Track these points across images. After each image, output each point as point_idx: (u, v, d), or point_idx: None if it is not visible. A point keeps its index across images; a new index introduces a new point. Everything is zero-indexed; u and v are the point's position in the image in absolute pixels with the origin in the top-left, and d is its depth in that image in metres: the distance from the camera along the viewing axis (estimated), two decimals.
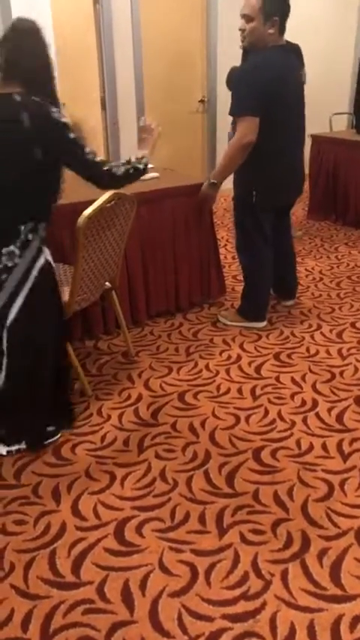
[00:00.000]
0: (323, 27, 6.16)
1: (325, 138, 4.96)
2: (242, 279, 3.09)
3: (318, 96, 6.17)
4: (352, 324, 3.03)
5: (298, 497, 1.83)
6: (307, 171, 4.80)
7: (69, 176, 3.02)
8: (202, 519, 1.75)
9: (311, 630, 1.40)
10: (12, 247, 1.86)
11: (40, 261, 1.94)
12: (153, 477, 1.94)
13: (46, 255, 1.98)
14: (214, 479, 1.92)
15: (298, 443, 2.10)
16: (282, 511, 1.78)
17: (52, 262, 2.01)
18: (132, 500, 1.83)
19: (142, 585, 1.53)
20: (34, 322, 1.94)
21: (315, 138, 4.96)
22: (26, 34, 1.86)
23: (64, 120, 1.84)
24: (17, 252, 1.86)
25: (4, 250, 1.85)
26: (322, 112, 5.84)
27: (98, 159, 1.91)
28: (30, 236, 1.89)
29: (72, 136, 1.85)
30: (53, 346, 2.04)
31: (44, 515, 1.78)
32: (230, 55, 5.58)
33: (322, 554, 1.62)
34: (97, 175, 1.92)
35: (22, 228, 1.86)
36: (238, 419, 2.24)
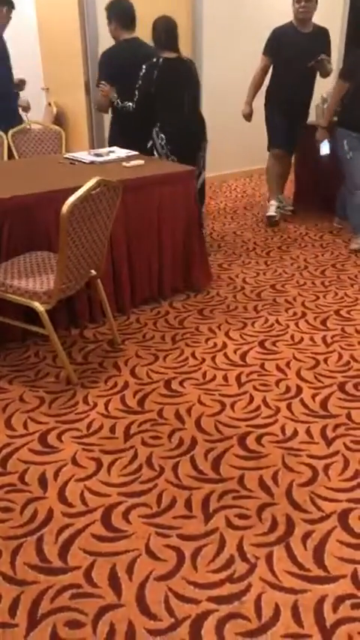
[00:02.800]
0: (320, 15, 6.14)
1: (310, 126, 4.95)
2: (227, 266, 3.10)
3: None
4: (337, 312, 3.06)
5: (282, 482, 1.86)
6: (292, 159, 4.85)
7: (53, 164, 3.01)
8: (188, 505, 1.77)
9: (295, 611, 1.43)
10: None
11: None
12: (139, 463, 1.95)
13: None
14: (200, 465, 1.94)
15: (282, 429, 2.13)
16: (267, 496, 1.81)
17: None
18: (119, 486, 1.85)
19: (129, 570, 1.55)
20: None
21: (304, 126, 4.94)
22: None
23: None
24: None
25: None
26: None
27: None
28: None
29: None
30: None
31: (31, 502, 1.78)
32: (215, 43, 5.54)
33: (306, 537, 1.65)
34: None
35: None
36: (223, 406, 2.26)
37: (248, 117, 4.41)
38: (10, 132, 3.77)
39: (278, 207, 4.60)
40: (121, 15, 3.62)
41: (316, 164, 4.87)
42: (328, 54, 4.14)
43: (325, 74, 4.26)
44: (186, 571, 1.55)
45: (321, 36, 4.17)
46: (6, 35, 4.17)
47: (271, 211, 4.54)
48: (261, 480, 1.87)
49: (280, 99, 4.30)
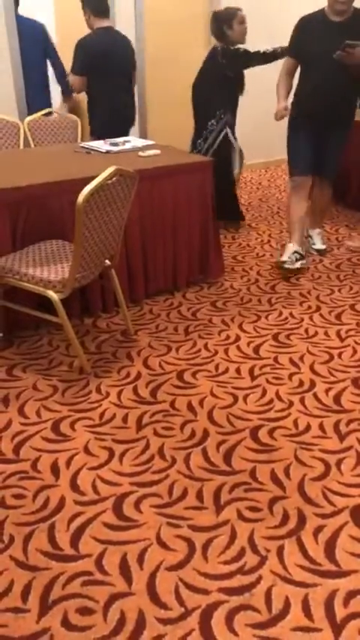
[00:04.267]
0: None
1: None
2: (241, 258, 3.09)
3: None
4: (352, 307, 3.03)
5: (294, 476, 1.86)
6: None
7: (68, 153, 3.00)
8: (199, 496, 1.77)
9: (306, 605, 1.43)
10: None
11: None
12: (151, 453, 1.95)
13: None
14: (212, 457, 1.94)
15: (295, 423, 2.12)
16: (279, 489, 1.80)
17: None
18: (130, 476, 1.85)
19: (140, 559, 1.56)
20: None
21: None
22: None
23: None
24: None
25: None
26: None
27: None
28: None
29: None
30: None
31: (43, 489, 1.79)
32: None
33: (317, 531, 1.65)
34: None
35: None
36: (236, 398, 2.26)
37: (282, 111, 3.43)
38: (26, 120, 3.77)
39: (295, 253, 3.45)
40: (95, 4, 3.79)
41: None
42: None
43: None
44: (197, 561, 1.55)
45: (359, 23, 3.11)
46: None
47: (284, 255, 3.47)
48: (273, 474, 1.87)
49: (304, 109, 3.34)
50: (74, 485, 1.81)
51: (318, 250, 3.78)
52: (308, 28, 3.21)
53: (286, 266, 3.37)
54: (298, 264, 3.42)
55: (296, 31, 3.29)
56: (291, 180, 3.55)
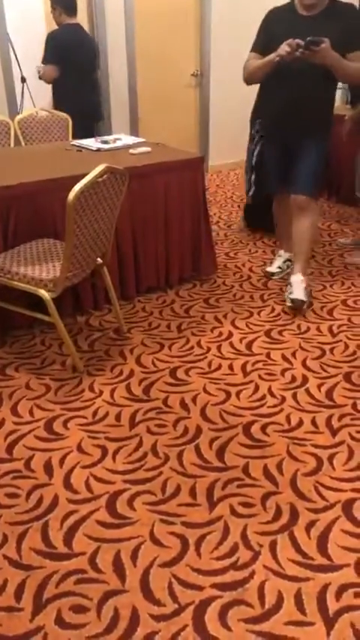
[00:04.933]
0: None
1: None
2: (234, 255, 3.10)
3: None
4: (343, 302, 3.04)
5: (287, 471, 1.86)
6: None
7: (59, 151, 2.99)
8: (192, 493, 1.78)
9: (298, 598, 1.44)
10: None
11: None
12: (144, 451, 1.96)
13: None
14: (205, 453, 1.95)
15: (287, 418, 2.12)
16: (271, 485, 1.81)
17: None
18: (123, 473, 1.86)
19: (134, 556, 1.56)
20: None
21: None
22: None
23: None
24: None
25: None
26: None
27: None
28: None
29: None
30: None
31: (36, 488, 1.79)
32: (224, 28, 5.47)
33: (310, 526, 1.66)
34: None
35: None
36: (228, 394, 2.26)
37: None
38: (17, 118, 3.76)
39: (288, 262, 3.35)
40: (66, 2, 4.06)
41: None
42: (353, 47, 2.57)
43: (346, 75, 2.62)
44: (190, 558, 1.56)
45: (337, 18, 2.58)
46: (13, 23, 4.17)
47: (272, 266, 3.38)
48: (265, 469, 1.88)
49: (270, 118, 2.98)
50: (67, 484, 1.81)
51: (293, 301, 2.89)
52: (276, 21, 2.75)
53: (275, 277, 3.32)
54: (285, 272, 3.33)
55: (263, 25, 2.83)
56: (274, 198, 3.28)
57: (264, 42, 2.76)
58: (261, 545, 1.59)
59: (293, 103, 2.78)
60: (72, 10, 4.08)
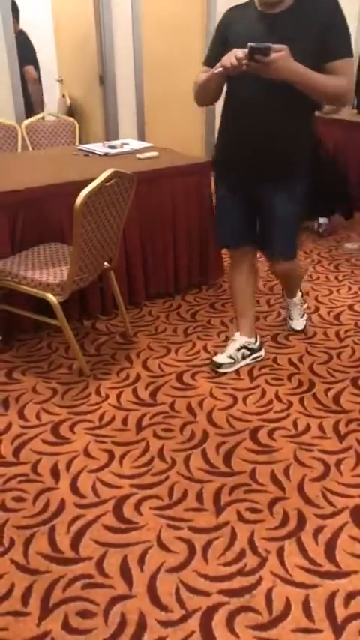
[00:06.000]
0: None
1: (325, 118, 4.90)
2: None
3: None
4: (350, 307, 3.03)
5: (294, 477, 1.86)
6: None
7: (66, 155, 3.00)
8: (199, 497, 1.77)
9: (306, 605, 1.43)
10: None
11: None
12: (151, 455, 1.95)
13: None
14: (212, 458, 1.94)
15: (294, 423, 2.12)
16: (278, 490, 1.80)
17: None
18: (130, 478, 1.85)
19: (141, 561, 1.56)
20: None
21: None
22: None
23: None
24: None
25: None
26: None
27: None
28: None
29: None
30: None
31: (43, 492, 1.79)
32: None
33: (317, 532, 1.65)
34: None
35: None
36: (235, 399, 2.26)
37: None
38: (24, 123, 3.78)
39: (243, 349, 2.47)
40: (16, 13, 4.40)
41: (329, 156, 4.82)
42: (332, 54, 1.90)
43: (321, 93, 1.93)
44: (197, 563, 1.55)
45: (309, 15, 1.91)
46: (21, 27, 4.20)
47: (224, 354, 2.46)
48: (273, 474, 1.87)
49: (222, 160, 2.24)
50: (74, 488, 1.81)
51: (294, 330, 2.70)
52: (233, 23, 2.05)
53: (222, 370, 2.42)
54: (243, 364, 2.47)
55: (219, 29, 2.12)
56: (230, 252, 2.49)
57: (220, 51, 1.97)
58: (268, 552, 1.59)
59: (251, 138, 2.05)
60: (17, 19, 4.50)
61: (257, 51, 1.76)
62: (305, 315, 2.78)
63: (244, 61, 1.79)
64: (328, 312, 2.97)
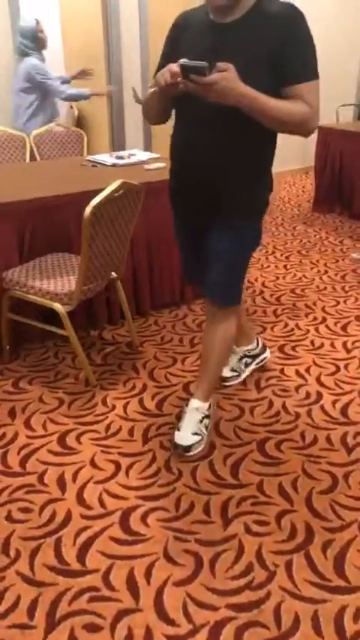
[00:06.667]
0: (330, 16, 6.11)
1: (332, 129, 4.93)
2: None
3: (324, 87, 6.15)
4: (357, 318, 3.02)
5: (302, 489, 1.84)
6: (310, 163, 4.77)
7: (74, 166, 3.01)
8: (206, 509, 1.76)
9: (315, 621, 1.41)
10: None
11: None
12: (158, 467, 1.94)
13: None
14: (219, 470, 1.93)
15: (302, 435, 2.10)
16: (286, 503, 1.79)
17: None
18: (137, 489, 1.84)
19: (147, 574, 1.54)
20: None
21: (321, 130, 4.92)
22: None
23: None
24: None
25: None
26: (329, 104, 5.81)
27: None
28: None
29: None
30: None
31: (50, 503, 1.78)
32: None
33: (326, 545, 1.63)
34: None
35: None
36: (242, 410, 2.25)
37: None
38: (33, 133, 3.80)
39: (244, 359, 2.45)
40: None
41: (335, 167, 4.84)
42: (290, 76, 1.60)
43: (274, 120, 1.61)
44: (204, 577, 1.53)
45: (267, 26, 1.59)
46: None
47: (225, 369, 2.39)
48: (280, 487, 1.85)
49: (174, 175, 1.93)
50: (81, 499, 1.80)
51: (176, 446, 2.01)
52: (186, 31, 1.75)
53: (228, 383, 2.37)
54: (248, 371, 2.43)
55: (168, 37, 1.82)
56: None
57: (170, 63, 1.58)
58: (276, 565, 1.57)
59: (195, 170, 1.78)
60: None
61: (191, 69, 1.46)
62: (201, 434, 2.04)
63: (180, 79, 1.51)
64: (335, 323, 2.96)
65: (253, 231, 1.90)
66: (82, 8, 5.03)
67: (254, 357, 2.47)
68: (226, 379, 2.40)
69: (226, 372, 2.40)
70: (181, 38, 1.75)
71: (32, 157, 3.77)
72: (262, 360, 2.50)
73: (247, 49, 1.59)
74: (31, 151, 3.76)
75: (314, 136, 5.01)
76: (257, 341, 2.50)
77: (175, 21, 1.82)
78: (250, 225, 1.88)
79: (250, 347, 2.46)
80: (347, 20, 6.31)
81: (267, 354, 2.53)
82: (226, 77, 1.47)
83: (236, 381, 2.41)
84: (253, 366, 2.47)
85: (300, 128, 1.65)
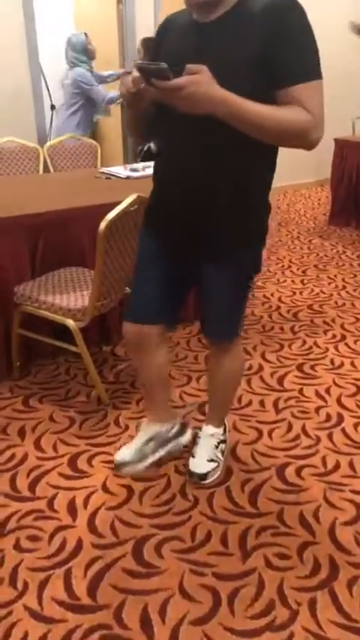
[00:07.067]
0: (344, 27, 6.04)
1: (349, 142, 4.86)
2: (262, 284, 2.98)
3: (340, 98, 6.08)
4: None
5: (324, 519, 1.75)
6: (325, 175, 4.70)
7: (88, 178, 2.95)
8: (224, 540, 1.67)
9: None
10: None
11: None
12: (173, 492, 1.86)
13: None
14: (237, 497, 1.84)
15: (323, 461, 2.01)
16: (308, 534, 1.69)
17: None
18: (151, 517, 1.76)
19: (162, 611, 1.45)
20: None
21: (337, 142, 4.86)
22: None
23: None
24: None
25: None
26: (345, 115, 5.75)
27: None
28: None
29: None
30: None
31: (60, 530, 1.70)
32: None
33: (352, 582, 1.53)
34: None
35: None
36: (260, 433, 2.16)
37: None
38: (46, 145, 3.77)
39: (150, 442, 1.86)
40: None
41: (352, 180, 4.76)
42: (284, 77, 1.31)
43: (263, 131, 1.32)
44: (223, 615, 1.44)
45: (256, 23, 1.31)
46: (45, 52, 4.25)
47: (124, 451, 1.88)
48: (301, 516, 1.76)
49: (154, 209, 1.66)
50: (92, 527, 1.71)
51: (191, 474, 1.90)
52: (168, 34, 1.53)
53: (126, 470, 1.85)
54: (152, 460, 1.85)
55: (155, 41, 1.61)
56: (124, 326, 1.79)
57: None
58: (299, 604, 1.48)
59: (182, 188, 1.50)
60: None
61: (151, 73, 1.21)
62: (217, 460, 1.94)
63: (143, 85, 1.29)
64: (355, 341, 2.87)
65: (254, 260, 1.63)
66: (99, 22, 5.03)
67: (167, 440, 1.90)
68: (122, 464, 1.84)
69: (124, 456, 1.85)
70: (164, 42, 1.53)
71: (46, 169, 3.73)
72: (172, 449, 1.92)
73: (230, 49, 1.34)
74: (45, 162, 3.72)
75: (330, 148, 4.94)
76: (224, 425, 2.04)
77: (159, 25, 1.59)
78: (249, 254, 1.60)
79: (219, 430, 1.99)
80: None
81: (184, 440, 1.95)
82: (196, 81, 1.20)
83: (132, 469, 1.85)
84: (149, 460, 1.85)
85: (300, 140, 1.34)
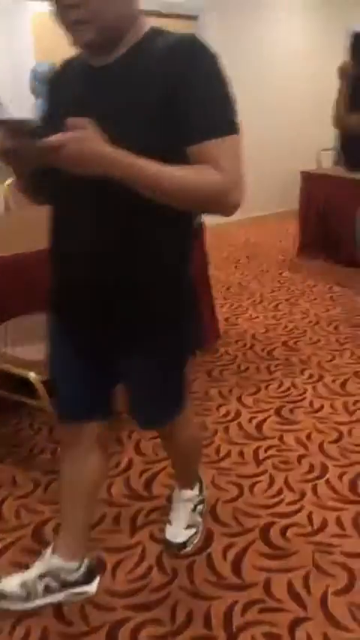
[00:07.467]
0: (310, 60, 6.16)
1: (314, 174, 4.88)
2: (234, 320, 2.88)
3: (306, 131, 6.16)
4: (356, 374, 2.84)
5: (315, 589, 1.60)
6: (292, 206, 4.67)
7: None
8: (207, 621, 1.51)
9: None
10: None
11: None
12: (149, 564, 1.69)
13: None
14: (219, 566, 1.68)
15: (309, 518, 1.87)
16: (299, 608, 1.54)
17: None
18: (125, 596, 1.58)
19: None
20: None
21: (303, 174, 4.87)
22: None
23: None
24: None
25: None
26: (311, 147, 5.81)
27: None
28: None
29: None
30: None
31: (24, 619, 1.51)
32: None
33: None
34: None
35: None
36: (241, 489, 2.01)
37: None
38: (7, 182, 3.63)
39: (45, 579, 1.53)
40: None
41: (319, 213, 4.76)
42: (192, 132, 1.10)
43: (163, 192, 1.09)
44: None
45: (156, 67, 1.11)
46: (3, 84, 4.13)
47: (8, 581, 1.54)
48: (290, 586, 1.61)
49: (58, 277, 1.37)
50: (58, 614, 1.53)
51: (168, 544, 1.74)
52: (61, 84, 1.30)
53: (1, 605, 1.51)
54: (39, 604, 1.53)
55: (47, 93, 1.37)
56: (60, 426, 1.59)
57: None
58: None
59: (82, 263, 1.26)
60: None
61: (17, 129, 1.02)
62: (196, 525, 1.79)
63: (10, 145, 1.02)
64: (333, 380, 2.77)
65: (185, 338, 1.38)
66: (60, 54, 4.97)
67: (68, 584, 1.56)
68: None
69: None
70: (58, 92, 1.29)
71: (7, 208, 3.58)
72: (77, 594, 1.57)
73: (122, 99, 1.13)
74: (6, 200, 3.58)
75: (295, 178, 4.94)
76: (82, 562, 1.59)
77: (50, 75, 1.35)
78: (178, 334, 1.35)
79: (70, 565, 1.56)
80: (328, 62, 6.39)
81: (89, 588, 1.59)
82: (78, 138, 1.01)
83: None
84: (39, 602, 1.53)
85: (213, 204, 1.12)
